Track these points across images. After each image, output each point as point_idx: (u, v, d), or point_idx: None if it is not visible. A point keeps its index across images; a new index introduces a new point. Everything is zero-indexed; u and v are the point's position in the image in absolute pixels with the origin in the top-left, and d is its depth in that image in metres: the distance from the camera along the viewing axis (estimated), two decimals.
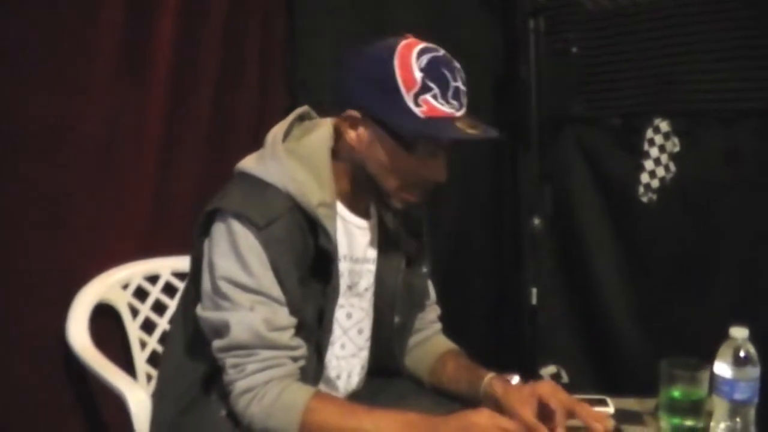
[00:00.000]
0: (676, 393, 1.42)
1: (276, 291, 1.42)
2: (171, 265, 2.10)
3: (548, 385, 1.48)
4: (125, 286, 2.04)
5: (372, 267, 1.63)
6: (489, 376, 1.56)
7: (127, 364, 1.98)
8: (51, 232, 1.93)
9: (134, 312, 2.04)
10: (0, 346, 1.86)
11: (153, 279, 2.09)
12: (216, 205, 1.46)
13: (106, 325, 1.99)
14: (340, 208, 1.54)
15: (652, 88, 2.51)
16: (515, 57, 2.75)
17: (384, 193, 1.51)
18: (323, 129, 1.55)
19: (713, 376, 1.41)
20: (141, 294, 2.06)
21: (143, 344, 2.03)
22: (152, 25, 2.08)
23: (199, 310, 1.48)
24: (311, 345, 1.51)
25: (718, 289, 2.42)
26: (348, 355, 1.63)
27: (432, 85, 1.41)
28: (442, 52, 1.45)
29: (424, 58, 1.42)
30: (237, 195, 1.46)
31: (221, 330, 1.43)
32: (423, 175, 1.48)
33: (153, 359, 2.02)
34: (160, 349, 2.02)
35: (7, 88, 1.84)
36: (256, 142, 2.21)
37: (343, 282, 1.55)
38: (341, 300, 1.55)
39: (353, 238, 1.58)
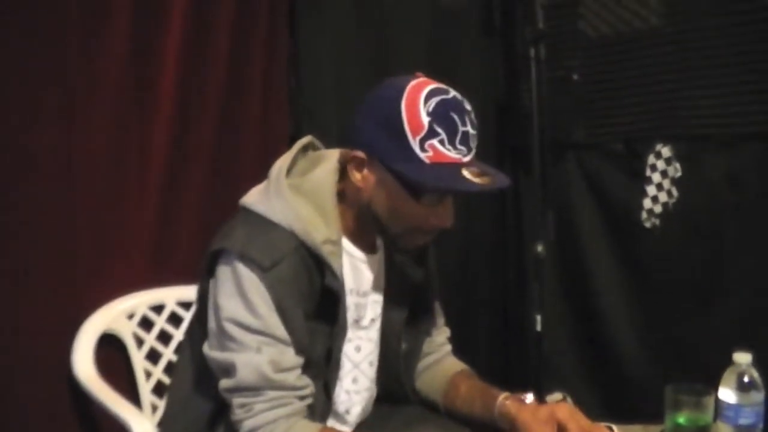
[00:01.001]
0: (682, 419, 1.42)
1: (282, 332, 1.41)
2: (176, 295, 2.10)
3: (565, 408, 1.46)
4: (130, 316, 2.04)
5: (378, 298, 1.62)
6: (502, 396, 1.55)
7: (132, 394, 1.98)
8: (56, 263, 1.94)
9: (139, 342, 2.04)
10: (5, 375, 1.86)
11: (158, 309, 2.09)
12: (220, 245, 1.44)
13: (112, 355, 2.00)
14: (346, 243, 1.52)
15: (653, 114, 2.52)
16: (517, 84, 2.78)
17: (391, 235, 1.50)
18: (328, 163, 1.52)
19: (718, 402, 1.41)
20: (146, 324, 2.06)
21: (148, 374, 2.03)
22: (157, 52, 2.10)
23: (206, 349, 1.47)
24: (319, 382, 1.50)
25: (722, 312, 2.42)
26: (362, 389, 1.62)
27: (439, 130, 1.37)
28: (452, 94, 1.42)
29: (433, 102, 1.38)
30: (241, 234, 1.44)
31: (228, 370, 1.42)
32: (429, 221, 1.46)
33: (158, 389, 2.02)
34: (165, 379, 2.03)
35: (12, 117, 1.85)
36: (261, 170, 2.21)
37: (350, 316, 1.54)
38: (349, 334, 1.54)
39: (359, 272, 1.56)
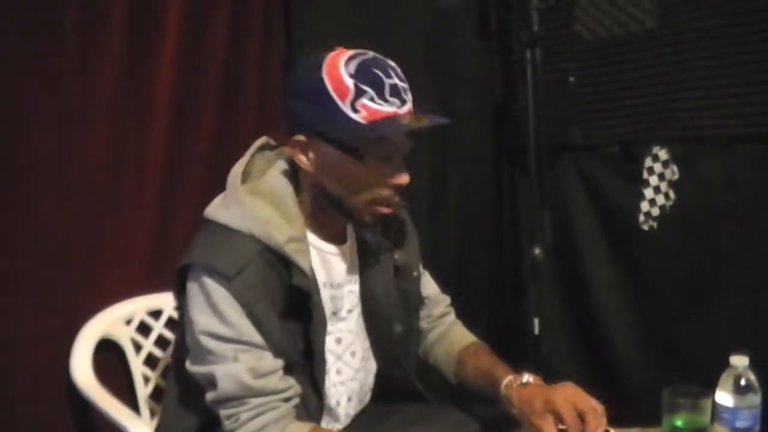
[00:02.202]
0: (679, 422, 1.42)
1: (257, 338, 1.41)
2: (173, 300, 2.09)
3: (562, 395, 1.45)
4: (128, 322, 2.03)
5: (354, 287, 1.62)
6: (506, 381, 1.55)
7: (130, 399, 1.98)
8: (54, 268, 1.94)
9: (137, 347, 2.03)
10: (4, 381, 1.86)
11: (156, 314, 2.09)
12: (186, 260, 1.45)
13: (110, 360, 2.00)
14: (312, 237, 1.52)
15: (650, 116, 2.53)
16: (514, 86, 2.78)
17: (354, 212, 1.48)
18: (282, 160, 1.53)
19: (715, 405, 1.41)
20: (144, 329, 2.06)
21: (146, 379, 2.02)
22: (153, 56, 2.10)
23: (188, 365, 1.48)
24: (306, 380, 1.50)
25: (720, 314, 2.42)
26: (346, 379, 1.62)
27: (365, 87, 1.37)
28: (371, 54, 1.43)
29: (352, 64, 1.39)
30: (204, 246, 1.45)
31: (210, 383, 1.43)
32: (384, 182, 1.44)
33: (156, 394, 2.02)
34: (163, 384, 2.02)
35: (8, 123, 1.85)
36: None
37: (327, 309, 1.54)
38: (328, 327, 1.54)
39: (330, 265, 1.56)
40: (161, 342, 2.08)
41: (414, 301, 1.71)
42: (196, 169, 2.23)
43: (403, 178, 1.44)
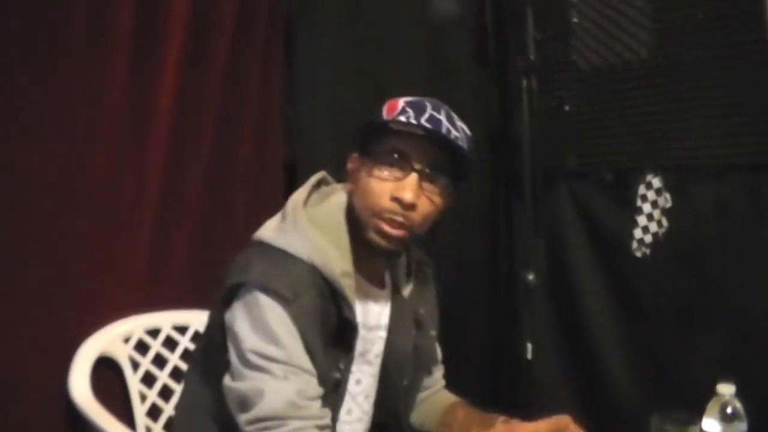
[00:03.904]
0: None
1: (306, 362, 1.40)
2: (171, 319, 2.12)
3: (563, 422, 1.45)
4: (126, 340, 2.05)
5: (383, 334, 1.62)
6: (501, 419, 1.55)
7: (127, 417, 1.99)
8: (53, 287, 1.95)
9: (135, 365, 2.05)
10: (3, 398, 1.87)
11: (154, 333, 2.10)
12: (241, 278, 1.43)
13: (108, 378, 2.01)
14: (357, 276, 1.52)
15: (644, 144, 2.55)
16: (510, 114, 2.81)
17: (363, 228, 1.47)
18: (339, 195, 1.54)
19: None
20: (142, 347, 2.08)
21: (143, 397, 2.04)
22: (155, 77, 2.13)
23: (228, 382, 1.43)
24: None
25: (711, 340, 2.43)
26: (354, 420, 1.61)
27: (409, 109, 1.44)
28: (435, 101, 1.48)
29: (414, 97, 1.48)
30: (261, 268, 1.43)
31: (254, 399, 1.38)
32: (385, 192, 1.44)
33: (153, 412, 2.03)
34: (160, 402, 2.04)
35: (9, 143, 1.87)
36: (256, 194, 2.23)
37: (357, 349, 1.54)
38: (353, 367, 1.54)
39: (368, 306, 1.57)
40: (158, 360, 2.10)
41: (425, 359, 1.72)
42: (195, 187, 2.25)
43: (404, 194, 1.43)
